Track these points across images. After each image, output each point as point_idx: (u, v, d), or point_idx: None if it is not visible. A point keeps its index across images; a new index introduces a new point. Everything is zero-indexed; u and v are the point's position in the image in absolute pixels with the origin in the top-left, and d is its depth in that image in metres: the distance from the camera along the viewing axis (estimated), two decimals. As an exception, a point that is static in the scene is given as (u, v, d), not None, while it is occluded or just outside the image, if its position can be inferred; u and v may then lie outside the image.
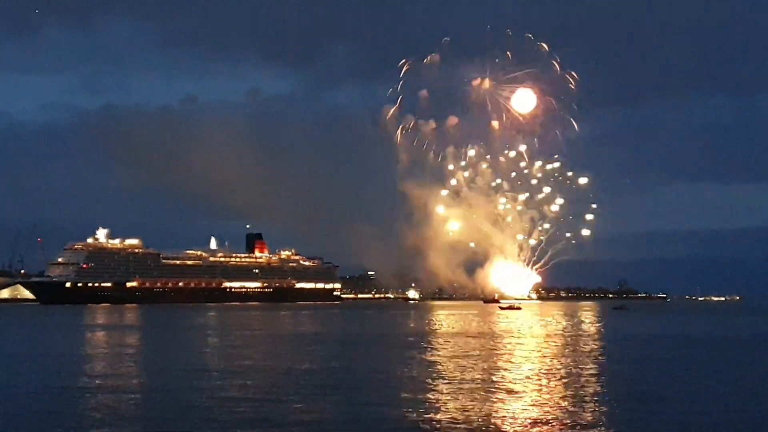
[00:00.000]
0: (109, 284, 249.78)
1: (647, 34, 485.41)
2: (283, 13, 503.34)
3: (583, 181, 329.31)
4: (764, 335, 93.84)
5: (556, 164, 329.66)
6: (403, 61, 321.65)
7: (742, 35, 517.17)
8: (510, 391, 36.90)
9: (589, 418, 29.55)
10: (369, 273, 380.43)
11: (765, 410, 33.24)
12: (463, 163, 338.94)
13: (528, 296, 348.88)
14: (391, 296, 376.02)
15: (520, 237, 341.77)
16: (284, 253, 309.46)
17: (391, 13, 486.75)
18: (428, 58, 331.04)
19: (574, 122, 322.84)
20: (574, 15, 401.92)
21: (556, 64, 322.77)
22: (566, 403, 33.26)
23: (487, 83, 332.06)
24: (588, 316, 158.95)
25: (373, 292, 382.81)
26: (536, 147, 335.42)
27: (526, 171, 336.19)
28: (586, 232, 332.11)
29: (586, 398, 34.57)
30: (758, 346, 73.67)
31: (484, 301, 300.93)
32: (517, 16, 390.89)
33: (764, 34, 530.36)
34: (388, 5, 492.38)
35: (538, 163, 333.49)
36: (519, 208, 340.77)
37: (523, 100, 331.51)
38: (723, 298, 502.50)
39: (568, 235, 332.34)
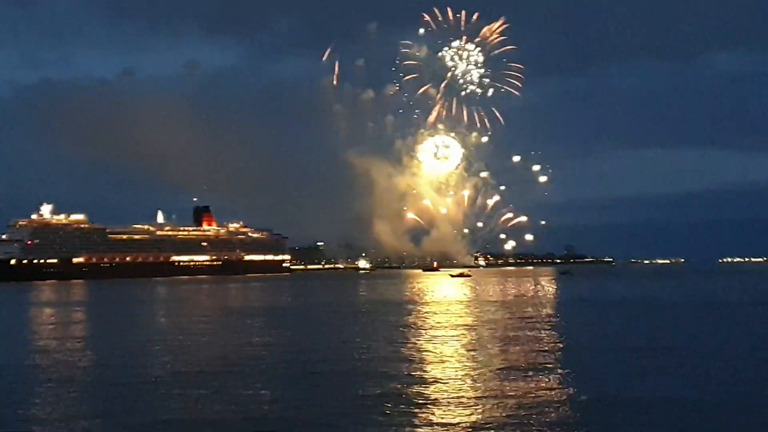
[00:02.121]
0: (55, 260, 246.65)
1: (587, 2, 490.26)
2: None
3: (518, 155, 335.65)
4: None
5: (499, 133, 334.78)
6: (332, 43, 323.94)
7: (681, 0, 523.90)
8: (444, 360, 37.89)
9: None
10: (318, 244, 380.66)
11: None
12: (403, 132, 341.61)
13: (475, 263, 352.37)
14: (341, 266, 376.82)
15: (465, 198, 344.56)
16: (232, 226, 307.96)
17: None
18: (366, 28, 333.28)
19: (516, 90, 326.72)
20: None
21: (491, 32, 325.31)
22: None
23: (424, 51, 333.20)
24: (538, 281, 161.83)
25: (323, 263, 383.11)
26: (477, 114, 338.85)
27: (467, 138, 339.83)
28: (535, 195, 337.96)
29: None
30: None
31: (423, 270, 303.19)
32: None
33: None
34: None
35: (475, 132, 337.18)
36: (462, 175, 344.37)
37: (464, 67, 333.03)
38: (668, 261, 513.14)
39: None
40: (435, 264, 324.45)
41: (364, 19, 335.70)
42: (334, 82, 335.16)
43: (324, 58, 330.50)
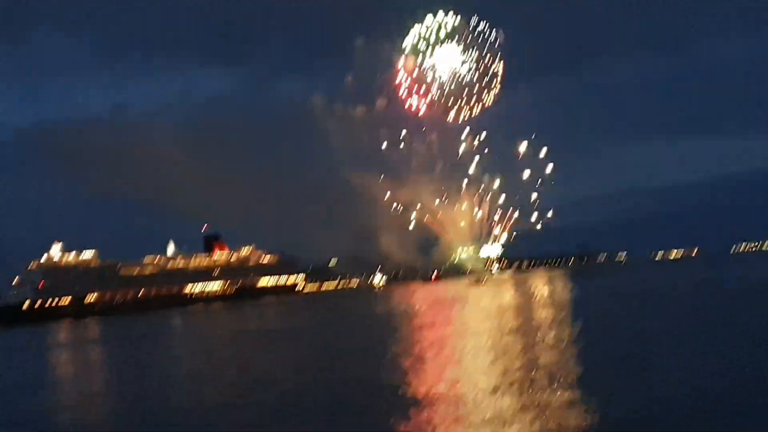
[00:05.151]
0: (67, 301, 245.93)
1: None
2: (214, 13, 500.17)
3: (524, 148, 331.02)
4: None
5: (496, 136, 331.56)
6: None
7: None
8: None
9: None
10: (330, 262, 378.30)
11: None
12: (399, 146, 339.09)
13: (489, 270, 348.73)
14: (355, 284, 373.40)
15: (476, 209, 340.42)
16: (244, 251, 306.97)
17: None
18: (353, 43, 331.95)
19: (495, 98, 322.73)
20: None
21: (480, 35, 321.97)
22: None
23: (411, 61, 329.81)
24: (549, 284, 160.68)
25: (336, 282, 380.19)
26: (471, 120, 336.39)
27: (463, 147, 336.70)
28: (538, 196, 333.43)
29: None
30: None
31: (423, 281, 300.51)
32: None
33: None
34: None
35: (466, 136, 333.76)
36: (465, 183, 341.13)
37: (450, 68, 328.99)
38: (682, 251, 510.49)
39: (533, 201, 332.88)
40: (433, 275, 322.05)
41: (352, 34, 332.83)
42: (324, 100, 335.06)
43: (329, 58, 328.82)
